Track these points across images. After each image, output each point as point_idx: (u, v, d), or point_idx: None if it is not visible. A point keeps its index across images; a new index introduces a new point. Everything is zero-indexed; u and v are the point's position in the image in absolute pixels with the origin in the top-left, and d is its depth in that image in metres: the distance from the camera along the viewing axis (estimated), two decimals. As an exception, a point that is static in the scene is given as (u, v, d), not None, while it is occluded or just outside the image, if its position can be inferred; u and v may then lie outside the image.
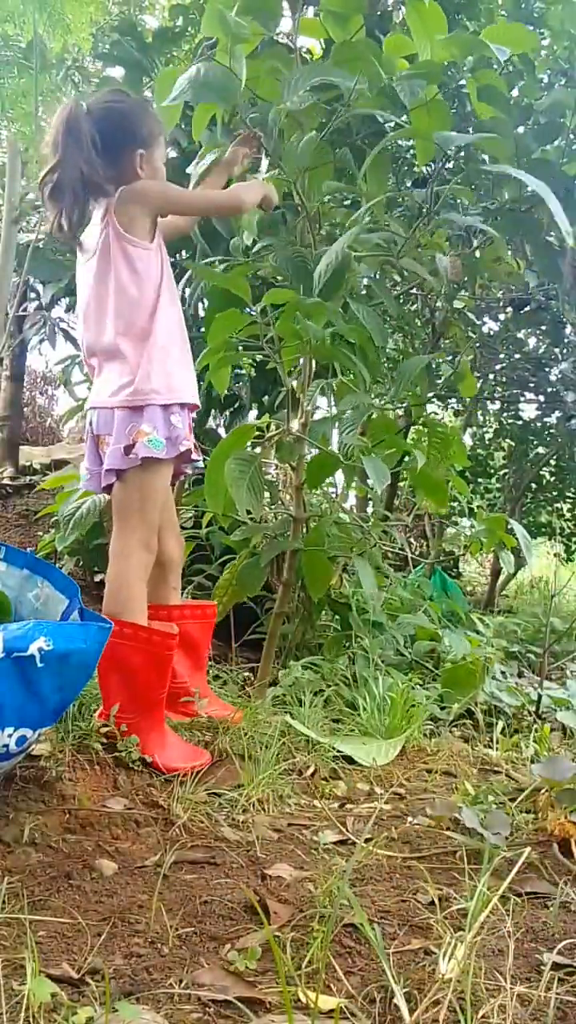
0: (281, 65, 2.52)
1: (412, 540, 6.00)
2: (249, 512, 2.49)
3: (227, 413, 3.98)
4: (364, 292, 2.99)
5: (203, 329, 2.82)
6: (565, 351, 4.93)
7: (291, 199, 2.75)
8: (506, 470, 7.12)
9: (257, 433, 2.82)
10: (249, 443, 2.70)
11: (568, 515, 7.62)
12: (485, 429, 7.06)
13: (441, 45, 2.40)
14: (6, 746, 1.43)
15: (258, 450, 2.95)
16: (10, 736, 1.42)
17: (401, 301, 3.20)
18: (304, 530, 2.81)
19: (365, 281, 2.95)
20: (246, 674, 2.70)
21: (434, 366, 4.40)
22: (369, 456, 2.45)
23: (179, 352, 1.99)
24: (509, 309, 4.51)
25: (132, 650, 1.84)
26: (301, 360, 2.77)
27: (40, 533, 4.39)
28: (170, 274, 2.01)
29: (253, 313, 2.57)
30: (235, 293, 2.51)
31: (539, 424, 6.26)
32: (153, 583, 2.05)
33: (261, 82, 2.52)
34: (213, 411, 3.88)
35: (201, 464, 2.47)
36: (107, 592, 1.95)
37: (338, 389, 2.84)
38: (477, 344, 3.89)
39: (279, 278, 2.84)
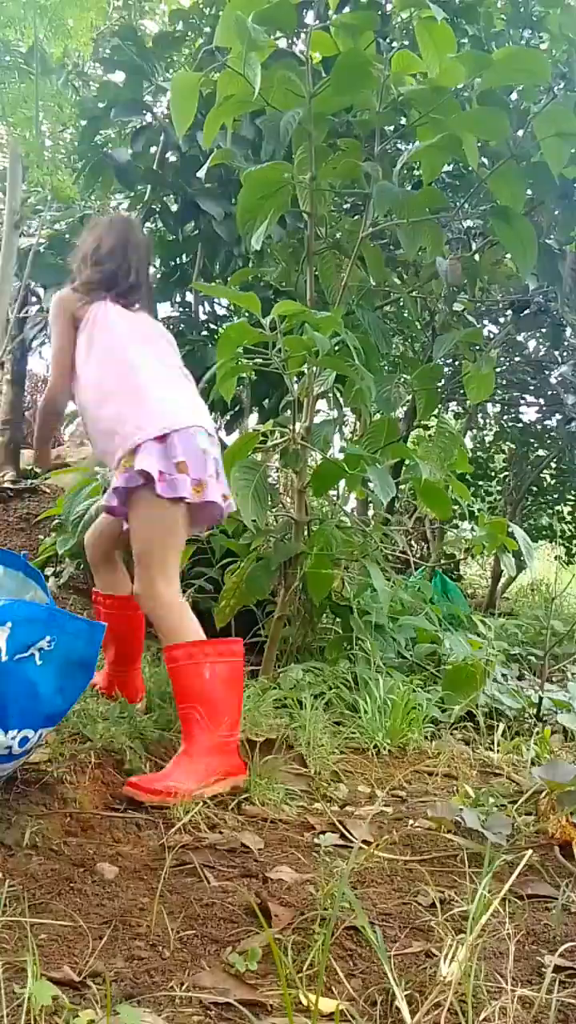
0: (293, 75, 2.54)
1: (413, 543, 6.00)
2: (254, 521, 2.48)
3: (227, 416, 4.00)
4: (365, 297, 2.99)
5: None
6: (565, 354, 4.93)
7: (297, 206, 2.76)
8: (506, 473, 7.13)
9: (260, 438, 2.82)
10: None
11: (569, 518, 7.62)
12: (485, 432, 7.07)
13: (451, 64, 2.39)
14: (9, 748, 1.43)
15: (261, 456, 2.94)
16: (13, 738, 1.43)
17: (400, 304, 3.20)
18: (305, 533, 2.81)
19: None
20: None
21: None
22: (375, 467, 2.44)
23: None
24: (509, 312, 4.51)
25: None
26: (305, 367, 2.77)
27: (41, 536, 4.39)
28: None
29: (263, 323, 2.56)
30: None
31: (539, 427, 6.27)
32: None
33: (273, 91, 2.54)
34: (214, 413, 3.89)
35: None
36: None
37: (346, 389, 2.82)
38: (476, 347, 3.90)
39: (283, 284, 2.84)
